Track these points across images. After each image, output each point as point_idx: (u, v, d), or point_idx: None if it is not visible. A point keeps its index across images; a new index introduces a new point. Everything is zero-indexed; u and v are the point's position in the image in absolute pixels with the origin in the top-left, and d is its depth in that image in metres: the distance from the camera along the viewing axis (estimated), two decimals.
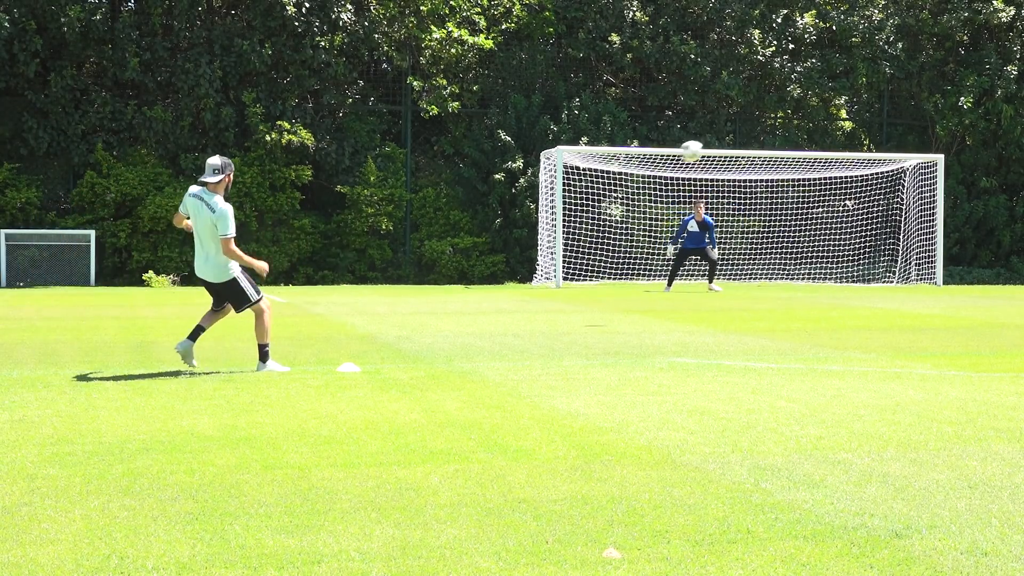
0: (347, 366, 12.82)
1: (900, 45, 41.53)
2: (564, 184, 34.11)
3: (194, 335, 12.87)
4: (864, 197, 39.01)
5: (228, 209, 12.58)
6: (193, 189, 12.78)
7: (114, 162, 34.80)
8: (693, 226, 31.19)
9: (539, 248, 34.60)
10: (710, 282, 31.46)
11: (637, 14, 39.68)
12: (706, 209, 32.90)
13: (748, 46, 40.67)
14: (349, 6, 36.35)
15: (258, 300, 12.92)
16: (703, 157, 35.79)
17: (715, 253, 31.50)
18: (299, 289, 32.47)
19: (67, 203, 35.60)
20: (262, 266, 12.92)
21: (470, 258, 37.56)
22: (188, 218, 12.88)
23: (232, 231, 12.55)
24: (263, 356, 12.84)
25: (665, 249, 32.94)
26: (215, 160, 12.75)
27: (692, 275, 36.45)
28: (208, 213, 12.54)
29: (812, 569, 5.45)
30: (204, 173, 12.76)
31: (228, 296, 12.96)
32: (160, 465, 7.67)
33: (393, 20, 37.33)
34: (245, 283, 12.87)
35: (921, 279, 36.56)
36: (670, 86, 40.30)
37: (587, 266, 36.05)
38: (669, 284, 31.70)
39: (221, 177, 12.66)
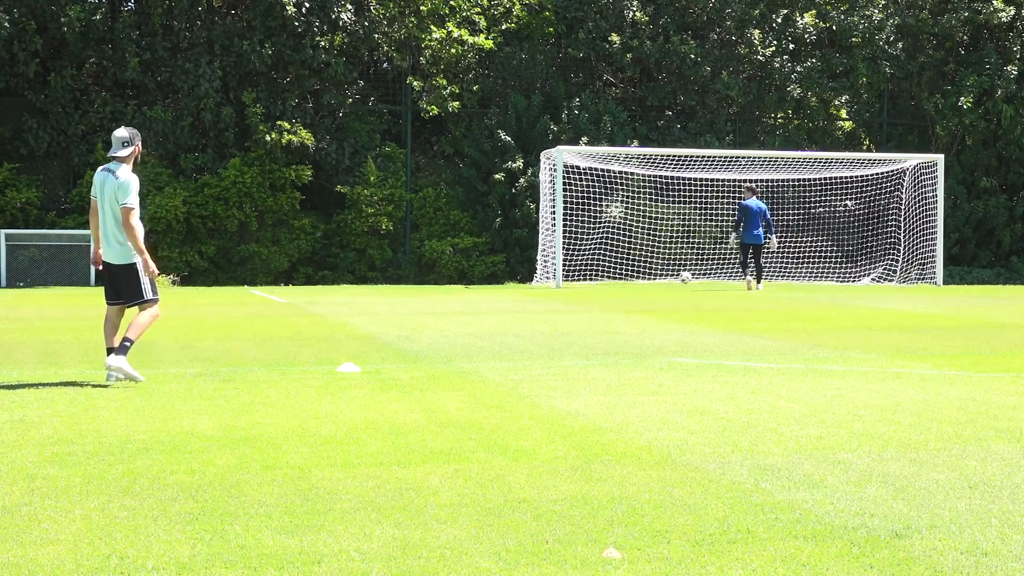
0: (347, 366, 12.82)
1: (900, 45, 41.53)
2: (564, 184, 34.11)
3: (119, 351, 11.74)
4: (864, 197, 39.02)
5: (133, 179, 11.94)
6: (100, 168, 12.20)
7: None
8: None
9: (540, 248, 34.60)
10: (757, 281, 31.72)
11: (637, 14, 39.68)
12: (757, 196, 32.60)
13: (748, 46, 40.68)
14: (349, 6, 36.35)
15: (153, 300, 12.12)
16: (703, 157, 35.85)
17: (733, 239, 31.80)
18: (299, 289, 32.48)
19: (67, 203, 35.61)
20: (152, 266, 12.04)
21: (470, 258, 37.57)
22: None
23: (132, 202, 11.82)
24: (123, 349, 11.70)
25: (768, 242, 32.71)
26: (122, 132, 12.12)
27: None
28: (112, 182, 11.91)
29: (812, 569, 5.45)
30: (112, 148, 12.13)
31: (124, 284, 12.07)
32: (160, 465, 7.66)
33: (393, 20, 37.33)
34: (144, 276, 12.02)
35: (921, 279, 36.56)
36: (670, 86, 40.31)
37: (587, 266, 36.05)
38: (758, 280, 31.66)
39: (131, 149, 12.05)
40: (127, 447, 8.28)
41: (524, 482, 7.19)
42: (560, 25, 40.22)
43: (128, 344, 11.75)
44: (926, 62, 42.05)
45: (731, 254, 36.81)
